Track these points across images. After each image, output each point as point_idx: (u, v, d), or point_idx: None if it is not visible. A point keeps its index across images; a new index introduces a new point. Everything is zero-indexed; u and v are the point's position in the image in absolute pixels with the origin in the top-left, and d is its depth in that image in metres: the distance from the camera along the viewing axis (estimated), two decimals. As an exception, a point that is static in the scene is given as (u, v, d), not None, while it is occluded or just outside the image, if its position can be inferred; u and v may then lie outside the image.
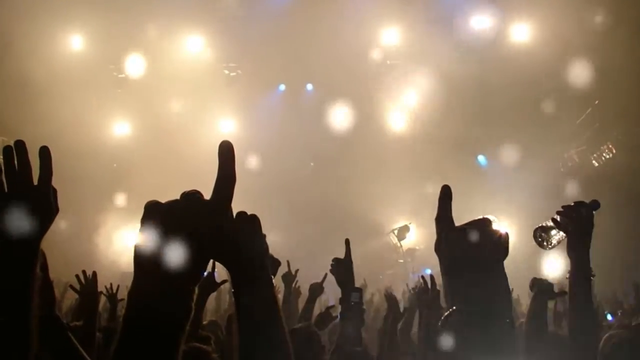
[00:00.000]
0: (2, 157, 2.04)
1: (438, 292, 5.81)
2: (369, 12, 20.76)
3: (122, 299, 7.38)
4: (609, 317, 10.89)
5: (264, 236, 1.89)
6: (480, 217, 1.80)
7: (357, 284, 5.24)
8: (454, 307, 1.69)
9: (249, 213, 1.84)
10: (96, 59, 21.25)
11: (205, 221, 1.53)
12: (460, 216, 1.81)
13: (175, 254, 1.48)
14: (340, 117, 21.94)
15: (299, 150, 22.76)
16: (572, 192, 18.05)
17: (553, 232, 3.86)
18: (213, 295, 8.01)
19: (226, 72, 22.82)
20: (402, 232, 22.72)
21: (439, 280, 2.45)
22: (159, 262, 1.47)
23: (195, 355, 3.94)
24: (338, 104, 22.05)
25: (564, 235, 3.81)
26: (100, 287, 5.72)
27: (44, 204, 2.01)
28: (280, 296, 7.35)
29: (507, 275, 1.74)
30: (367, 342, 6.77)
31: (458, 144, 21.64)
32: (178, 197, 1.55)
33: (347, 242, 5.12)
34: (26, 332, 1.85)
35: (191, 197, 1.55)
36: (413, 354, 6.28)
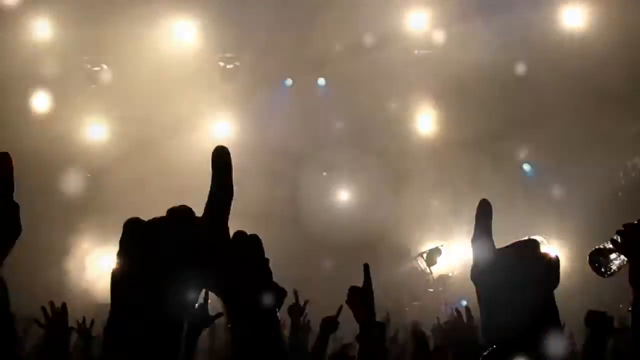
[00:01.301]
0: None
1: (475, 327, 5.80)
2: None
3: (97, 336, 7.41)
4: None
5: (267, 261, 1.89)
6: (526, 237, 1.80)
7: (379, 318, 5.23)
8: (494, 346, 1.69)
9: (248, 233, 1.85)
10: (66, 47, 21.18)
11: (197, 243, 1.53)
12: (502, 237, 1.81)
13: (160, 282, 1.48)
14: (357, 117, 21.94)
15: (308, 157, 22.74)
16: (635, 208, 17.98)
17: (613, 255, 3.84)
18: (206, 331, 8.02)
19: (222, 64, 22.83)
20: (432, 255, 22.63)
21: (476, 313, 2.45)
22: (141, 291, 1.47)
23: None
24: (355, 101, 22.06)
25: (626, 259, 3.79)
26: (71, 322, 5.74)
27: (3, 222, 2.00)
28: (286, 332, 7.36)
29: (558, 308, 1.74)
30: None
31: (499, 150, 21.62)
32: (164, 213, 1.55)
33: (366, 267, 5.10)
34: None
35: (179, 214, 1.55)
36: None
